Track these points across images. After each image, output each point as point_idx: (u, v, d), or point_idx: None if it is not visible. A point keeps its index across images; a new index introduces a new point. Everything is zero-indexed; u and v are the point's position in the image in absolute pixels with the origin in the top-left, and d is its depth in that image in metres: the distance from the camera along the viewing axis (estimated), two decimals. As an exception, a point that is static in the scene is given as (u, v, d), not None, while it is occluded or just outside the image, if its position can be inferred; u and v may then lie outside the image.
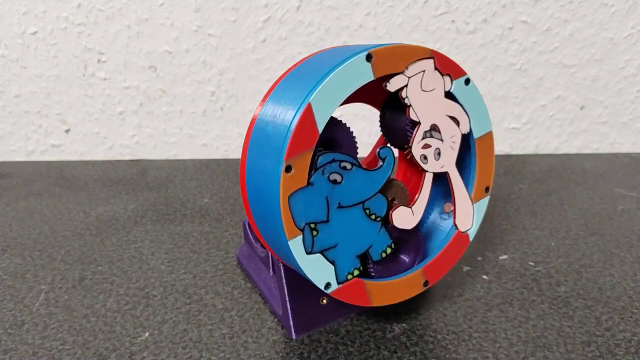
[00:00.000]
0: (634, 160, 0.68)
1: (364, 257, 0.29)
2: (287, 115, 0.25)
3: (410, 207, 0.29)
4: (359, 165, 0.27)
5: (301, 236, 0.26)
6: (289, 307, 0.31)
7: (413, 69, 0.27)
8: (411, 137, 0.28)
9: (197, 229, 0.47)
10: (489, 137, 0.32)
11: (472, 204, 0.32)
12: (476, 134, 0.31)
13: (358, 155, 0.29)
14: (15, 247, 0.44)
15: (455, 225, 0.32)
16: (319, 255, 0.27)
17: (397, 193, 0.32)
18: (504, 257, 0.41)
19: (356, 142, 0.29)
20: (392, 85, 0.27)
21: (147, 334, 0.31)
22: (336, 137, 0.28)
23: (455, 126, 0.30)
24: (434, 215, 0.35)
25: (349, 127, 0.28)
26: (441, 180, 0.32)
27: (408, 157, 0.29)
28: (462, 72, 0.29)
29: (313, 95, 0.24)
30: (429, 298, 0.35)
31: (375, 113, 0.33)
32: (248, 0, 0.63)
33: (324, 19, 0.64)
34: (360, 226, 0.28)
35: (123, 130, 0.70)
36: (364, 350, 0.30)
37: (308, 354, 0.30)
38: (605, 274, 0.38)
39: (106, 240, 0.45)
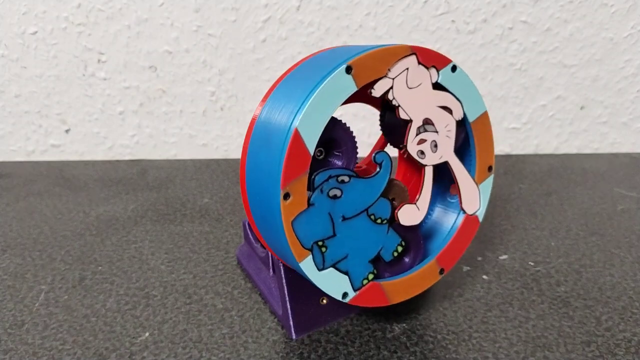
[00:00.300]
0: (634, 160, 0.68)
1: (377, 260, 0.29)
2: (277, 141, 0.25)
3: (415, 203, 0.30)
4: (357, 175, 0.27)
5: (310, 256, 0.26)
6: (289, 307, 0.31)
7: (396, 69, 0.27)
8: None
9: (197, 229, 0.47)
10: (484, 117, 0.31)
11: (477, 185, 0.32)
12: (471, 118, 0.31)
13: (358, 155, 0.29)
14: (15, 247, 0.44)
15: (463, 209, 0.32)
16: (331, 269, 0.27)
17: (396, 193, 0.32)
18: (504, 257, 0.41)
19: (356, 142, 0.29)
20: (377, 91, 0.26)
21: (147, 334, 0.31)
22: (336, 137, 0.28)
23: (448, 115, 0.29)
24: (439, 205, 0.35)
25: (348, 127, 0.28)
26: (443, 171, 0.32)
27: (405, 155, 0.29)
28: (447, 61, 0.29)
29: (299, 121, 0.24)
30: (429, 298, 0.35)
31: (375, 113, 0.33)
32: (248, 0, 0.63)
33: (324, 19, 0.64)
34: (368, 232, 0.28)
35: (123, 130, 0.70)
36: (364, 350, 0.30)
37: (308, 354, 0.30)
38: (605, 274, 0.38)
39: (106, 240, 0.45)
